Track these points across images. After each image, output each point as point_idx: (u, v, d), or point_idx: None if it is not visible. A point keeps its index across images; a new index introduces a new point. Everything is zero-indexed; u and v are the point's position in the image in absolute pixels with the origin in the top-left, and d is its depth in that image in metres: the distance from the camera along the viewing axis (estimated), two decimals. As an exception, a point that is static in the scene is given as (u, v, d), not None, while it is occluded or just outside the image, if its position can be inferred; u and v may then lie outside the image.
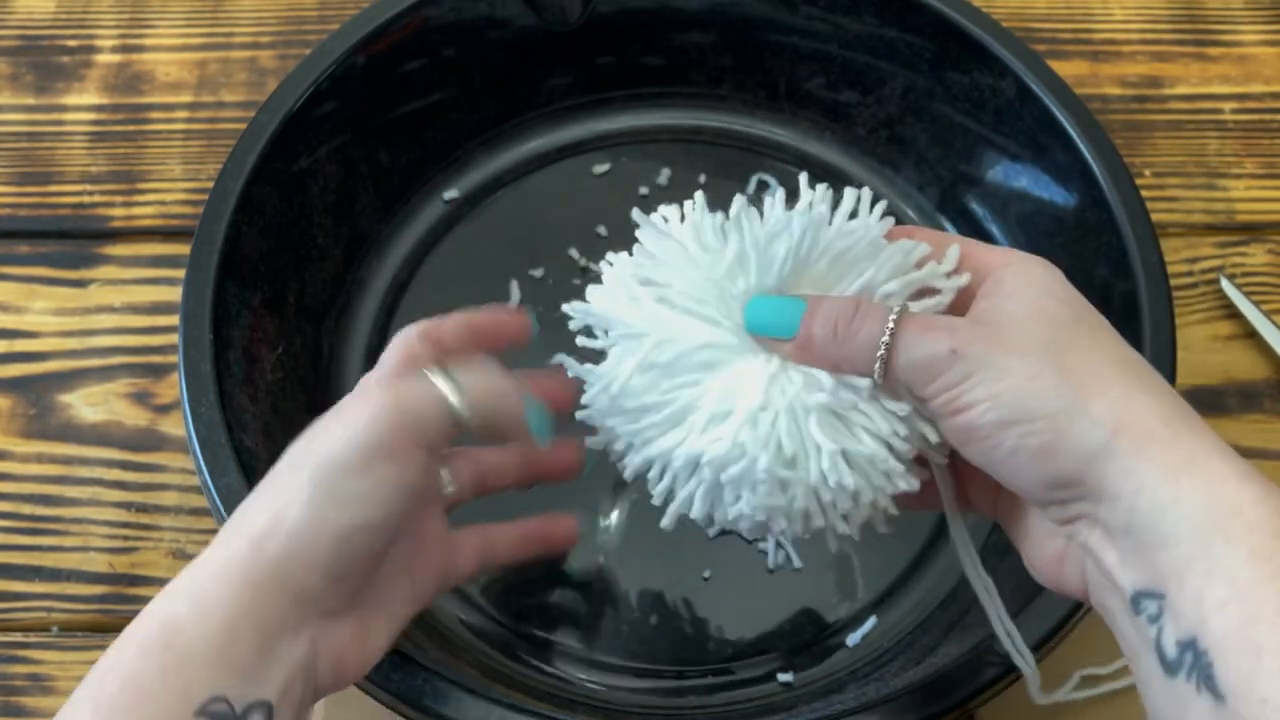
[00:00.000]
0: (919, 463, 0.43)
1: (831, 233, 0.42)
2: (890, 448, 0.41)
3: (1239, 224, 0.68)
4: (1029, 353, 0.38)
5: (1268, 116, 0.71)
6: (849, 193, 0.44)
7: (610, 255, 0.45)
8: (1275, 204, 0.68)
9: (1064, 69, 0.68)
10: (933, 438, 0.41)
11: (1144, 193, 0.57)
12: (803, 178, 0.45)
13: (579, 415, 0.45)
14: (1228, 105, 0.71)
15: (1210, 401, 0.63)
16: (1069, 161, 0.58)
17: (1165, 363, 0.53)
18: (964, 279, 0.42)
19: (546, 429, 0.44)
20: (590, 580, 0.56)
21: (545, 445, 0.44)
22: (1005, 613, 0.45)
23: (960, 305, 0.41)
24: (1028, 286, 0.40)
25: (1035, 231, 0.61)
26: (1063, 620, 0.48)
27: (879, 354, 0.39)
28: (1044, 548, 0.40)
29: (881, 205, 0.44)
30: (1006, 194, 0.62)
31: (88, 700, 0.37)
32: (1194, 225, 0.68)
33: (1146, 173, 0.69)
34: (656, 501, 0.44)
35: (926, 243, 0.43)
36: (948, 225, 0.65)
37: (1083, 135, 0.58)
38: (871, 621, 0.56)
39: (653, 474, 0.43)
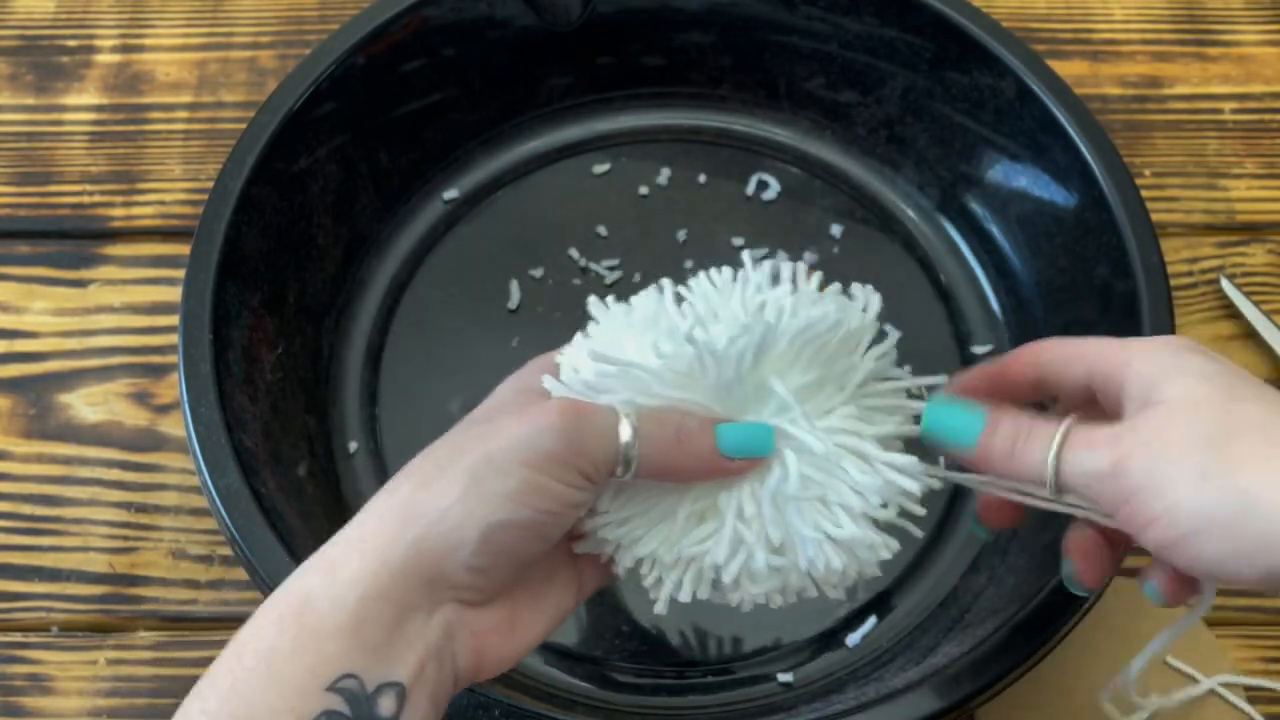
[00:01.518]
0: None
1: (795, 324, 0.42)
2: (870, 521, 0.42)
3: (1239, 224, 0.68)
4: (1188, 452, 0.37)
5: (1268, 116, 0.71)
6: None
7: (564, 348, 0.44)
8: (1275, 204, 0.68)
9: (1064, 69, 0.68)
10: (913, 488, 0.42)
11: (1144, 193, 0.57)
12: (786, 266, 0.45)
13: None
14: (1228, 105, 0.71)
15: (1210, 401, 0.63)
16: (1069, 161, 0.58)
17: (1165, 363, 0.53)
18: (875, 307, 0.43)
19: (746, 445, 0.42)
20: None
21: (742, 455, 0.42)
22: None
23: (1109, 410, 0.42)
24: (1166, 374, 0.39)
25: (1035, 232, 0.61)
26: (1066, 617, 0.48)
27: (1050, 473, 0.40)
28: None
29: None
30: (1006, 194, 0.62)
31: (226, 673, 0.37)
32: (1194, 225, 0.68)
33: (1146, 173, 0.69)
34: (652, 594, 0.43)
35: (1051, 352, 0.43)
36: (947, 225, 0.65)
37: (1083, 135, 0.58)
38: (871, 622, 0.56)
39: (644, 570, 0.43)
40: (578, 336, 0.45)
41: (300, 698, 0.36)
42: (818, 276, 0.44)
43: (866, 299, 0.44)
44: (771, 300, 0.43)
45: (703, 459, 0.41)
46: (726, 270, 0.45)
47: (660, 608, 0.43)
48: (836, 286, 0.44)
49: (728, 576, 0.42)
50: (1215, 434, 0.37)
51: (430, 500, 0.39)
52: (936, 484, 0.44)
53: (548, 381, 0.43)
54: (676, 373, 0.42)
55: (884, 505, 0.42)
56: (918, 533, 0.44)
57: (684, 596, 0.43)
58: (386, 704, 0.37)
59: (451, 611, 0.39)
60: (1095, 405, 0.42)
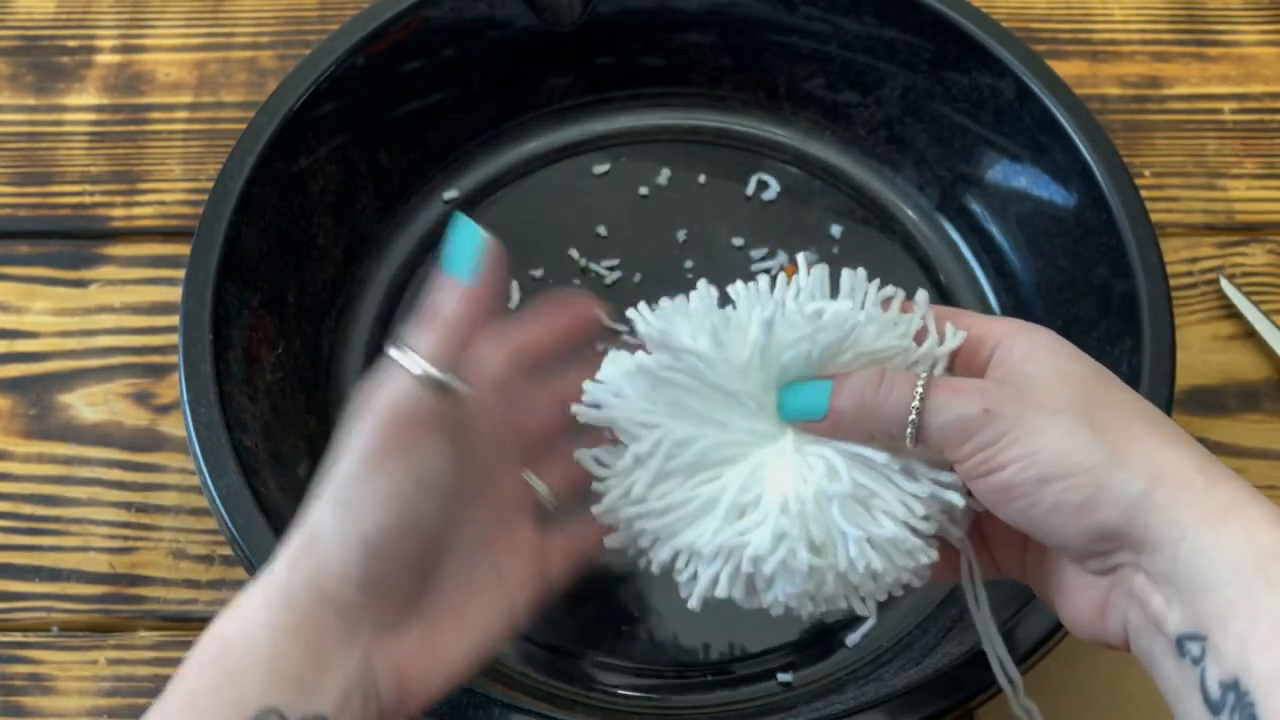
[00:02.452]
0: (938, 539, 0.43)
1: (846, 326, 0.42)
2: (911, 529, 0.42)
3: (1238, 224, 0.68)
4: (1060, 410, 0.38)
5: (1267, 116, 0.71)
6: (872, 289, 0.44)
7: (611, 353, 0.44)
8: (1275, 204, 0.68)
9: (1063, 69, 0.68)
10: (958, 502, 0.42)
11: (1143, 193, 0.57)
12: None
13: (595, 511, 0.45)
14: (1227, 105, 0.71)
15: (1209, 401, 0.63)
16: (1068, 161, 0.58)
17: (1165, 363, 0.53)
18: (954, 342, 0.43)
19: (466, 261, 0.41)
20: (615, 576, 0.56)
21: (467, 280, 0.41)
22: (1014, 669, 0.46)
23: (970, 374, 0.42)
24: (1041, 350, 0.41)
25: (1035, 232, 0.61)
26: (1058, 625, 0.48)
27: (910, 419, 0.40)
28: (1083, 600, 0.41)
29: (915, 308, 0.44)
30: (1006, 194, 0.62)
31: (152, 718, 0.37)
32: (1193, 225, 0.68)
33: (1146, 173, 0.69)
34: (683, 590, 0.43)
35: (927, 315, 0.44)
36: (947, 225, 0.65)
37: (1082, 135, 0.58)
38: (871, 621, 0.55)
39: (680, 563, 0.43)
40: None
41: None
42: (819, 269, 0.44)
43: (950, 334, 0.43)
44: (837, 313, 0.43)
45: (470, 300, 0.41)
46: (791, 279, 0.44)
47: (694, 603, 0.43)
48: (924, 296, 0.45)
49: (768, 568, 0.41)
50: (1085, 399, 0.39)
51: (310, 534, 0.40)
52: (980, 505, 0.43)
53: (588, 386, 0.44)
54: (721, 376, 0.42)
55: (926, 518, 0.42)
56: (928, 558, 0.43)
57: (720, 591, 0.42)
58: None
59: (370, 641, 0.40)
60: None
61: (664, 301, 0.44)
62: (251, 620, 0.38)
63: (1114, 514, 0.37)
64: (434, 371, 0.40)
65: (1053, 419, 0.38)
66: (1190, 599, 0.36)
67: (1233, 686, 0.35)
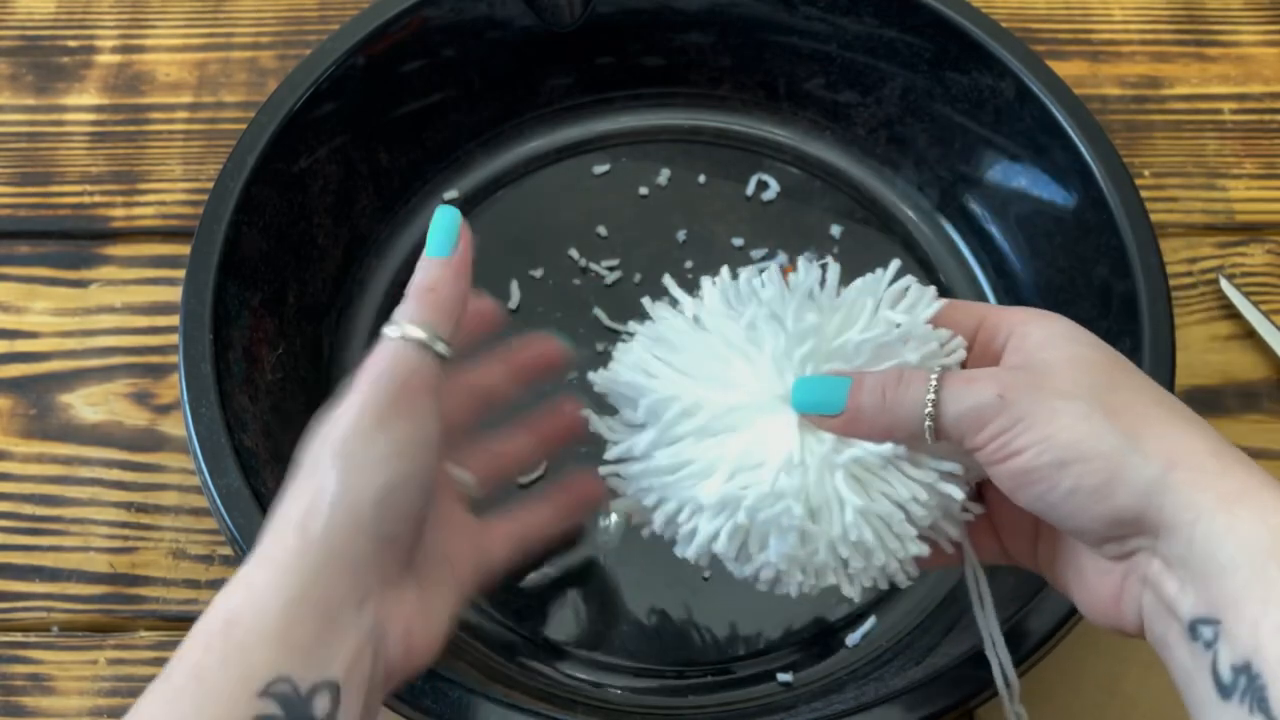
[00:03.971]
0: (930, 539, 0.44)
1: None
2: (906, 513, 0.42)
3: (1238, 224, 0.68)
4: (1075, 395, 0.39)
5: (1267, 117, 0.71)
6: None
7: (632, 325, 0.47)
8: (1275, 204, 0.68)
9: (1063, 69, 0.68)
10: (956, 495, 0.43)
11: (1143, 193, 0.57)
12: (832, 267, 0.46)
13: (602, 471, 0.47)
14: (1227, 105, 0.71)
15: (1209, 401, 0.63)
16: (1068, 162, 0.58)
17: (1165, 363, 0.53)
18: (959, 354, 0.43)
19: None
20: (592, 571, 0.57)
21: (446, 255, 0.45)
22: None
23: (986, 363, 0.43)
24: (1056, 336, 0.41)
25: (1034, 232, 0.61)
26: (1067, 616, 0.48)
27: (927, 412, 0.40)
28: (1099, 587, 0.41)
29: (934, 301, 0.45)
30: (1006, 194, 0.62)
31: (155, 695, 0.37)
32: (1193, 225, 0.68)
33: (1146, 173, 0.69)
34: (681, 546, 0.44)
35: (945, 310, 0.44)
36: (947, 225, 0.65)
37: (1082, 135, 0.58)
38: (871, 621, 0.56)
39: (682, 516, 0.44)
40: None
41: (233, 705, 0.37)
42: (821, 266, 0.45)
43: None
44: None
45: (456, 265, 0.45)
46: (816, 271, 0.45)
47: (692, 553, 0.44)
48: (932, 294, 0.45)
49: (762, 518, 0.42)
50: (1100, 385, 0.39)
51: (314, 493, 0.40)
52: (978, 507, 0.45)
53: (595, 377, 0.47)
54: (733, 344, 0.44)
55: (923, 506, 0.42)
56: (947, 547, 0.45)
57: (719, 545, 0.43)
58: (321, 703, 0.38)
59: (378, 595, 0.40)
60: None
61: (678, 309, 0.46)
62: (259, 588, 0.39)
63: (1130, 498, 0.38)
64: (423, 334, 0.42)
65: (1068, 404, 0.38)
66: (1204, 583, 0.37)
67: (1244, 670, 0.35)
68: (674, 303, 0.47)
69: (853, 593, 0.44)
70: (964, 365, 0.43)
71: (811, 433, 0.43)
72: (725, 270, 0.46)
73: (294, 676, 0.37)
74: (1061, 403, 0.38)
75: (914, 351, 0.43)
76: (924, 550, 0.43)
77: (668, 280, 0.47)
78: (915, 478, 0.42)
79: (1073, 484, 0.38)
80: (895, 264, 0.45)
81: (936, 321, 0.44)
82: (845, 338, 0.43)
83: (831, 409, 0.42)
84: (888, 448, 0.42)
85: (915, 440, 0.42)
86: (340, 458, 0.40)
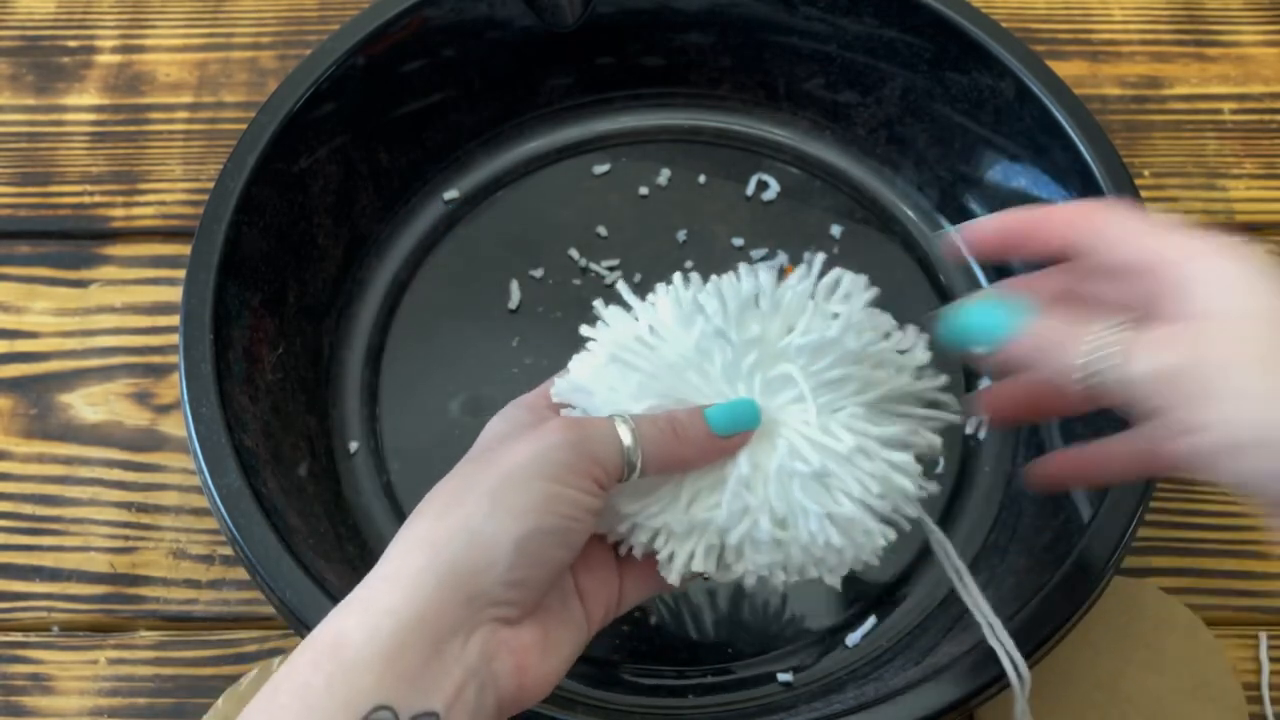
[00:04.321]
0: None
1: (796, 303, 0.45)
2: (868, 507, 0.44)
3: (1238, 224, 0.68)
4: (1255, 365, 0.36)
5: (1267, 117, 0.71)
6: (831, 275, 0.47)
7: (585, 329, 0.47)
8: (1275, 204, 0.68)
9: (1063, 69, 0.68)
10: (909, 487, 0.44)
11: (1143, 193, 0.57)
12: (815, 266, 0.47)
13: None
14: (1227, 105, 0.71)
15: (1209, 401, 0.63)
16: (1068, 162, 0.58)
17: (1164, 363, 0.53)
18: (898, 337, 0.44)
19: (736, 421, 0.44)
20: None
21: (720, 433, 0.44)
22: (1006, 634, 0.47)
23: (1142, 304, 0.39)
24: (1242, 283, 0.37)
25: (1035, 232, 0.61)
26: (1065, 616, 0.48)
27: (1109, 364, 0.37)
28: None
29: (867, 293, 0.46)
30: (1006, 194, 0.62)
31: (260, 712, 0.38)
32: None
33: (1146, 173, 0.69)
34: (664, 570, 0.45)
35: (1097, 225, 0.41)
36: (947, 225, 0.65)
37: (1082, 136, 0.58)
38: (871, 621, 0.56)
39: (659, 544, 0.45)
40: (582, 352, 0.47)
41: None
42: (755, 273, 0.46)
43: (914, 340, 0.46)
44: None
45: (700, 444, 0.43)
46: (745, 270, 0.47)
47: (674, 578, 0.44)
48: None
49: (733, 538, 0.43)
50: None
51: (457, 524, 0.40)
52: (934, 487, 0.46)
53: (554, 390, 0.46)
54: (685, 358, 0.44)
55: (881, 496, 0.44)
56: (906, 525, 0.46)
57: (697, 565, 0.44)
58: None
59: (489, 632, 0.40)
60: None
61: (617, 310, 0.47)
62: (375, 609, 0.39)
63: None
64: (630, 441, 0.42)
65: (1249, 379, 0.35)
66: None
67: None
68: (628, 309, 0.47)
69: (834, 582, 0.46)
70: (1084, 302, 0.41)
71: (765, 442, 0.44)
72: (678, 277, 0.47)
73: (396, 705, 0.37)
74: (1241, 379, 0.35)
75: (854, 340, 0.44)
76: (891, 536, 0.45)
77: (621, 286, 0.48)
78: (870, 471, 0.43)
79: (1252, 466, 0.36)
80: (820, 257, 0.47)
81: (1028, 234, 0.42)
82: (788, 340, 0.44)
83: (998, 335, 0.39)
84: (843, 445, 0.43)
85: (1062, 394, 0.39)
86: (495, 496, 0.40)
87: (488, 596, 0.40)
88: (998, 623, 0.47)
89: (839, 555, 0.44)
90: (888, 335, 0.46)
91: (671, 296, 0.46)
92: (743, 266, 0.46)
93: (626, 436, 0.42)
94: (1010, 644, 0.46)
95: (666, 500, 0.44)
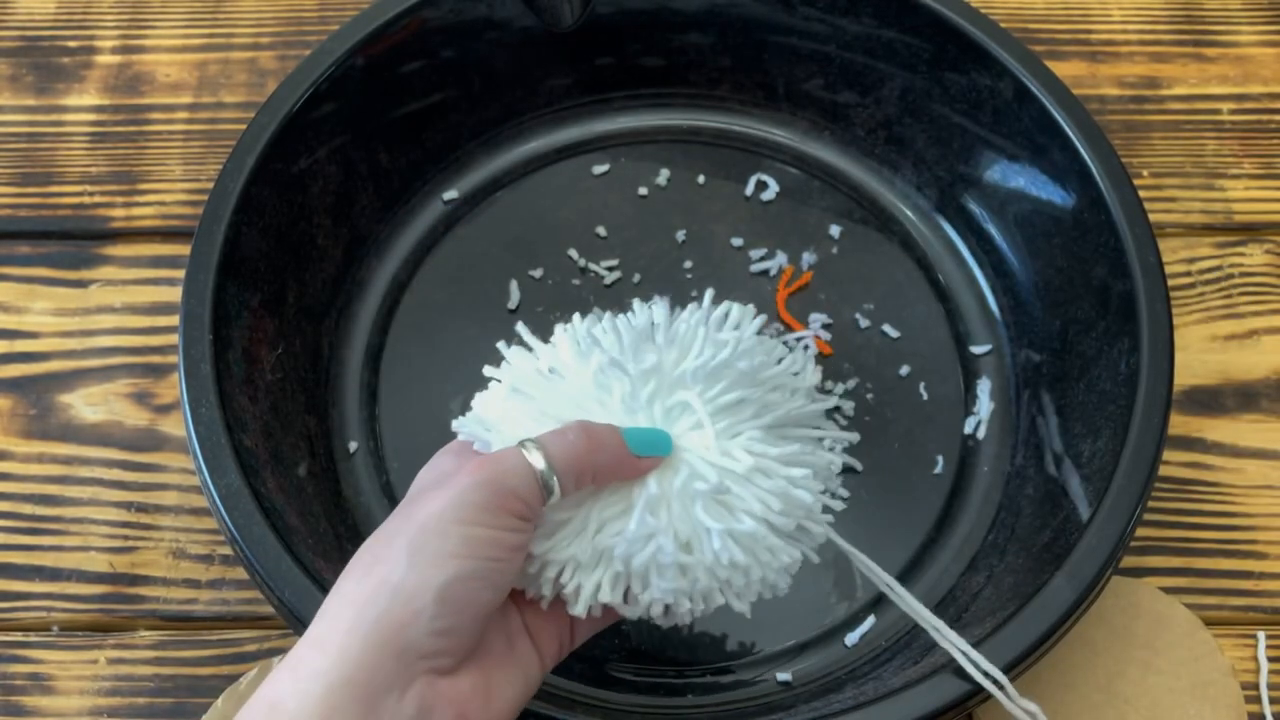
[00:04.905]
0: None
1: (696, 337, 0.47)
2: (769, 524, 0.45)
3: (1237, 224, 0.68)
4: None
5: (1266, 117, 0.71)
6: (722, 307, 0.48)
7: (488, 369, 0.48)
8: (1273, 204, 0.68)
9: (1062, 69, 0.68)
10: (807, 499, 0.45)
11: (1142, 193, 0.57)
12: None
13: None
14: (1226, 105, 0.71)
15: (1208, 402, 0.63)
16: (1067, 162, 0.58)
17: (1163, 363, 0.53)
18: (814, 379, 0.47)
19: (652, 444, 0.45)
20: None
21: (631, 451, 0.44)
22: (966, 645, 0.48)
23: None
24: None
25: (1033, 232, 0.61)
26: (1064, 616, 0.48)
27: None
28: None
29: (756, 321, 0.48)
30: (1004, 194, 0.62)
31: None
32: (1192, 225, 0.68)
33: (1144, 173, 0.69)
34: (571, 605, 0.45)
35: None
36: (946, 225, 0.65)
37: (1081, 136, 0.58)
38: (870, 621, 0.56)
39: (565, 578, 0.45)
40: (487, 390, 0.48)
41: None
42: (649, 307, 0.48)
43: (805, 363, 0.49)
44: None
45: (613, 451, 0.43)
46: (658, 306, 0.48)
47: (579, 609, 0.44)
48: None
49: (638, 564, 0.43)
50: None
51: (378, 580, 0.40)
52: (838, 505, 0.48)
53: (457, 424, 0.47)
54: (585, 391, 0.45)
55: (782, 513, 0.44)
56: (815, 559, 0.48)
57: (603, 596, 0.44)
58: None
59: (425, 686, 0.40)
60: None
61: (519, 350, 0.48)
62: (305, 673, 0.39)
63: None
64: (543, 466, 0.42)
65: None
66: None
67: None
68: (528, 349, 0.48)
69: (743, 608, 0.46)
70: None
71: (668, 469, 0.44)
72: (576, 317, 0.48)
73: None
74: None
75: (746, 363, 0.45)
76: (796, 557, 0.46)
77: (521, 328, 0.49)
78: (769, 488, 0.44)
79: None
80: (710, 292, 0.49)
81: None
82: (682, 368, 0.45)
83: None
84: (741, 465, 0.44)
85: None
86: (413, 548, 0.40)
87: (416, 650, 0.40)
88: (943, 625, 0.48)
89: (745, 575, 0.45)
90: (779, 360, 0.48)
91: (569, 334, 0.47)
92: (636, 303, 0.48)
93: (538, 461, 0.42)
94: (964, 645, 0.47)
95: (574, 533, 0.44)
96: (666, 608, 0.46)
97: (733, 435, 0.45)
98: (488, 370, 0.48)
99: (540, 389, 0.46)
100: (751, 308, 0.48)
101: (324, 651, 0.39)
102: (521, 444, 0.43)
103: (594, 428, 0.44)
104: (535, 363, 0.47)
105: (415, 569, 0.40)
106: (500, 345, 0.49)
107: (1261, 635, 0.57)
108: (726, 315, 0.48)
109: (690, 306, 0.48)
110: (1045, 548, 0.52)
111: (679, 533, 0.44)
